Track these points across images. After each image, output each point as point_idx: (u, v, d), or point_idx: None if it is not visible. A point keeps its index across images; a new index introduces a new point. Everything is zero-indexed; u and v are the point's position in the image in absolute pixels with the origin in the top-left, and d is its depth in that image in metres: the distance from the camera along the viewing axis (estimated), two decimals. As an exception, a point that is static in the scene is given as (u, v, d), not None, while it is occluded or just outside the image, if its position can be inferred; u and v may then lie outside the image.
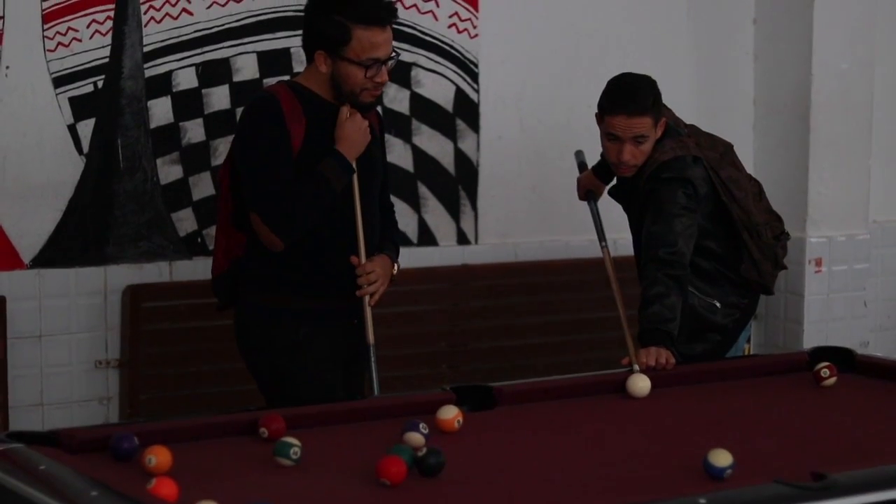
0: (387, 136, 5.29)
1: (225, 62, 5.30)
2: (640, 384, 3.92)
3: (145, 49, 5.15)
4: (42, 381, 5.08)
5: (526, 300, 5.90)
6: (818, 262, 6.24)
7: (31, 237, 5.03)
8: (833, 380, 4.07)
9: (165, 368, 5.22)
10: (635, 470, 3.24)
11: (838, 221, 6.29)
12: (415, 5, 5.62)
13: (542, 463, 3.30)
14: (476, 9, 5.77)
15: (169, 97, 5.22)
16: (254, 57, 5.35)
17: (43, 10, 4.97)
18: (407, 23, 5.55)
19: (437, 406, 3.57)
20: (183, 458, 3.10)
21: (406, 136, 5.67)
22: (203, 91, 5.28)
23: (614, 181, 4.70)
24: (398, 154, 5.62)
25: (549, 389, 3.96)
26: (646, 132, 4.38)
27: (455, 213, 5.81)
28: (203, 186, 5.29)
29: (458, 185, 5.81)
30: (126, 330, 5.14)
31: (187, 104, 5.24)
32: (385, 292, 4.23)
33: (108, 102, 5.10)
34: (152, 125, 5.19)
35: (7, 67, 4.94)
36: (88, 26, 5.04)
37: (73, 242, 5.09)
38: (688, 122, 4.70)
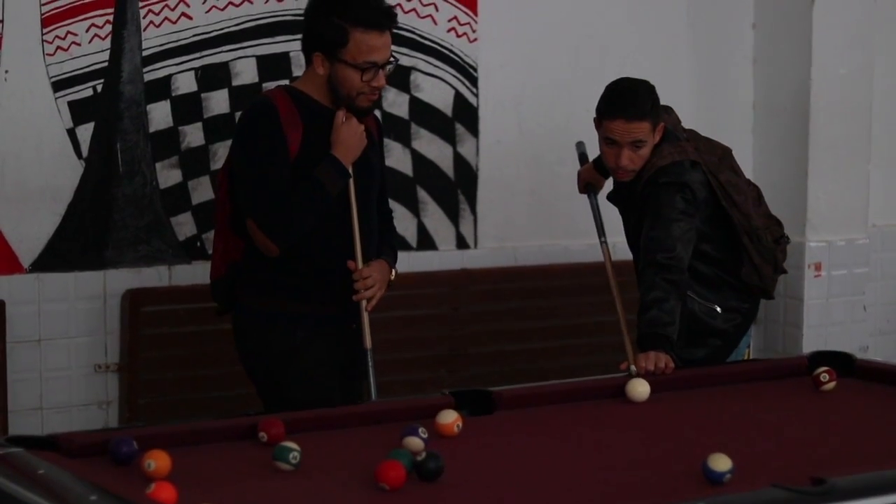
0: (386, 141, 5.29)
1: (224, 66, 5.30)
2: (640, 388, 3.92)
3: (144, 53, 5.15)
4: (41, 385, 5.07)
5: (525, 304, 5.90)
6: (817, 267, 6.24)
7: (30, 241, 5.03)
8: (832, 384, 4.07)
9: (165, 372, 5.22)
10: (634, 474, 3.24)
11: (838, 226, 6.29)
12: (414, 9, 5.63)
13: (541, 467, 3.30)
14: (475, 13, 5.77)
15: (168, 101, 5.22)
16: (253, 61, 5.35)
17: (42, 14, 4.97)
18: (406, 27, 5.55)
19: (436, 410, 3.57)
20: (182, 463, 3.10)
21: (405, 140, 5.67)
22: (202, 95, 5.28)
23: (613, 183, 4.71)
24: (397, 158, 5.62)
25: (549, 394, 3.97)
26: (644, 137, 4.38)
27: (454, 217, 5.81)
28: (202, 190, 5.29)
29: (458, 189, 5.81)
30: (125, 334, 5.14)
31: (187, 108, 5.24)
32: (383, 297, 4.23)
33: (107, 106, 5.10)
34: (151, 129, 5.19)
35: (6, 71, 4.94)
36: (88, 30, 5.04)
37: (72, 246, 5.09)
38: (687, 126, 4.70)
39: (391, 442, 3.31)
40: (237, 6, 5.30)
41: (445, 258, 5.80)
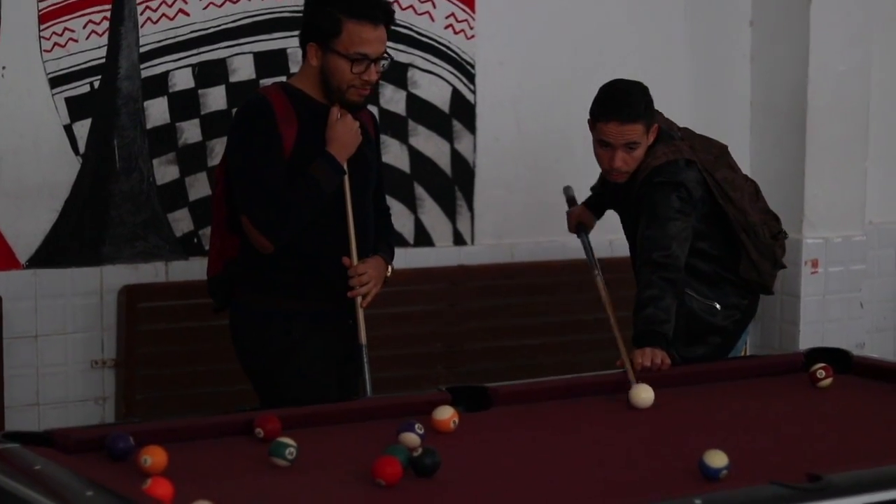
0: (383, 137, 5.30)
1: (221, 63, 5.30)
2: (643, 395, 3.85)
3: (142, 49, 5.15)
4: (38, 381, 5.08)
5: (522, 301, 5.90)
6: (814, 264, 6.24)
7: (27, 237, 5.03)
8: (829, 381, 4.07)
9: (161, 368, 5.22)
10: (631, 471, 3.24)
11: (835, 223, 6.29)
12: (411, 6, 5.62)
13: (537, 463, 3.30)
14: (473, 10, 5.77)
15: (165, 98, 5.22)
16: (250, 58, 5.35)
17: (39, 11, 4.97)
18: (403, 23, 5.55)
19: (432, 406, 3.57)
20: (178, 459, 3.10)
21: (402, 136, 5.67)
22: (199, 91, 5.28)
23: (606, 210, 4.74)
24: (394, 155, 5.62)
25: (545, 390, 3.97)
26: (638, 139, 4.38)
27: (451, 213, 5.81)
28: (199, 187, 5.28)
29: (455, 185, 5.81)
30: (122, 330, 5.14)
31: (184, 105, 5.24)
32: (378, 294, 4.23)
33: (104, 103, 5.10)
34: (149, 125, 5.19)
35: (3, 68, 4.94)
36: (85, 27, 5.04)
37: (69, 243, 5.09)
38: (684, 124, 4.70)
39: (388, 438, 3.31)
40: (234, 3, 5.30)
41: (442, 255, 5.80)
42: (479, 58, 5.81)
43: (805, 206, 6.20)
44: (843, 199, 6.30)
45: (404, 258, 5.38)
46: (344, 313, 4.18)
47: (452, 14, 5.73)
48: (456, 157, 5.80)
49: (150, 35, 5.16)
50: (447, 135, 5.77)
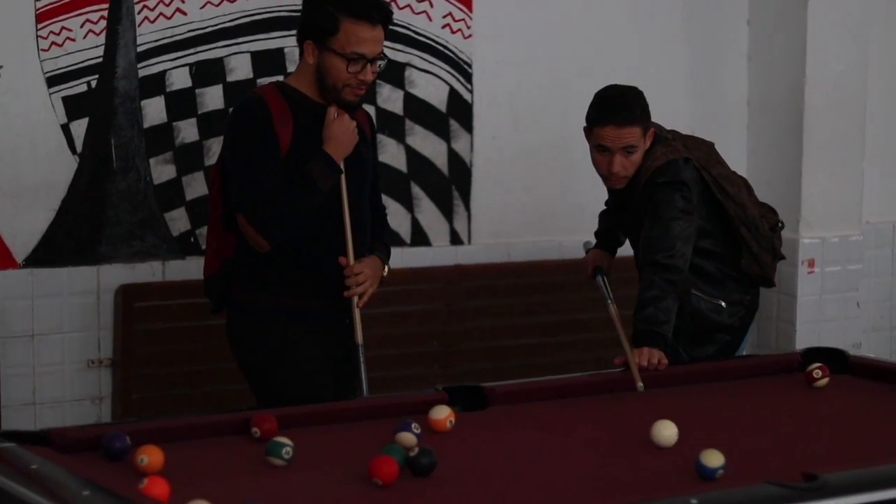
0: (380, 137, 5.30)
1: (219, 62, 5.30)
2: (666, 433, 3.45)
3: (139, 49, 5.15)
4: (34, 380, 5.07)
5: (519, 300, 5.90)
6: (811, 263, 6.24)
7: (24, 237, 5.02)
8: (825, 381, 4.07)
9: (158, 368, 5.22)
10: (627, 470, 3.24)
11: (831, 222, 6.29)
12: (409, 5, 5.62)
13: (534, 463, 3.30)
14: (470, 9, 5.77)
15: (162, 97, 5.22)
16: (247, 57, 5.35)
17: (36, 10, 4.97)
18: (401, 23, 5.55)
19: (429, 406, 3.57)
20: (175, 458, 3.10)
21: (399, 136, 5.67)
22: (197, 91, 5.28)
23: (620, 247, 4.74)
24: (391, 154, 5.62)
25: (542, 390, 3.96)
26: (635, 142, 4.38)
27: (448, 213, 5.82)
28: (196, 186, 5.28)
29: (452, 185, 5.81)
30: (118, 329, 5.14)
31: (181, 104, 5.24)
32: (375, 293, 4.23)
33: (101, 102, 5.10)
34: (146, 125, 5.19)
35: (0, 67, 4.94)
36: (82, 26, 5.04)
37: (66, 242, 5.09)
38: (681, 123, 4.71)
39: (384, 437, 3.31)
40: (231, 2, 5.30)
41: (439, 254, 5.80)
42: (476, 57, 5.81)
43: (802, 206, 6.20)
44: (840, 198, 6.30)
45: (401, 258, 5.38)
46: (340, 313, 4.18)
47: (450, 13, 5.73)
48: (453, 156, 5.80)
49: (147, 34, 5.16)
50: (444, 134, 5.77)
